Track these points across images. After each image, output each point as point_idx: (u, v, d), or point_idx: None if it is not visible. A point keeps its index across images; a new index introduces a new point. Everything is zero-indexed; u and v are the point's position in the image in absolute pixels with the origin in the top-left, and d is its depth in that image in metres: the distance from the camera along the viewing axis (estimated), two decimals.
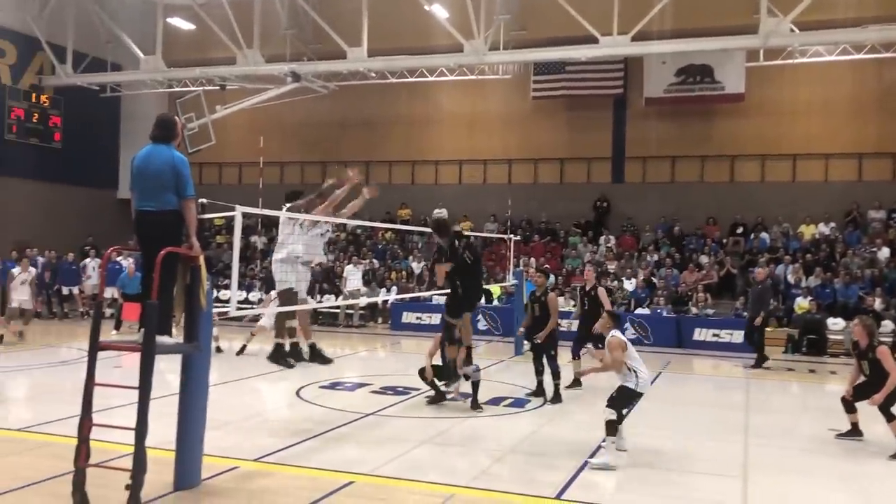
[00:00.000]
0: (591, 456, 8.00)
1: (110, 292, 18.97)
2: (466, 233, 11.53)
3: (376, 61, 22.68)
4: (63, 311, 22.28)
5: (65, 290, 22.32)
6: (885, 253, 20.94)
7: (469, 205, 26.15)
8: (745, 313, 17.72)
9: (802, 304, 19.10)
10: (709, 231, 23.92)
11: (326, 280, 22.65)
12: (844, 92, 23.40)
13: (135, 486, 5.79)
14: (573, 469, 7.66)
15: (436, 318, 19.97)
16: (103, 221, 25.83)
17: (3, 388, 11.73)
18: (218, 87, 24.78)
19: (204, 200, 7.44)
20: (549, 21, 22.28)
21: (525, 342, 15.76)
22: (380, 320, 22.85)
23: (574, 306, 16.86)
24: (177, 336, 6.75)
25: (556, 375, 11.23)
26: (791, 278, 20.58)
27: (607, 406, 7.96)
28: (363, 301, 21.22)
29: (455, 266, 9.85)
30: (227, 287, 19.99)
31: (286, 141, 27.13)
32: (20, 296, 16.64)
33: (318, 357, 9.58)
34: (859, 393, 9.25)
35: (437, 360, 10.79)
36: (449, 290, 10.18)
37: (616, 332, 8.35)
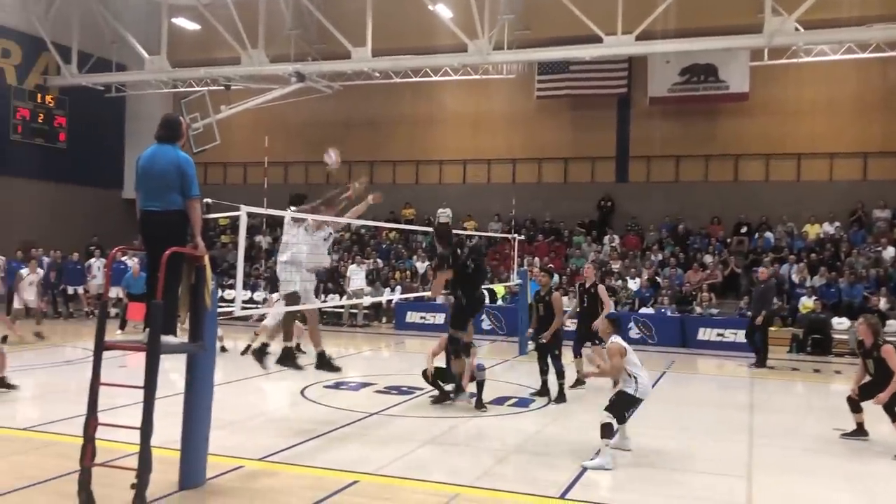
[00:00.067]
0: (593, 457, 8.00)
1: (115, 292, 19.03)
2: (470, 232, 11.48)
3: (380, 61, 22.70)
4: (68, 311, 22.35)
5: (70, 290, 22.40)
6: (890, 252, 20.89)
7: (473, 204, 26.16)
8: (749, 313, 17.70)
9: (807, 303, 19.07)
10: (713, 230, 23.89)
11: (331, 280, 22.68)
12: (849, 91, 23.35)
13: (140, 486, 5.81)
14: (577, 469, 7.65)
15: (440, 318, 20.00)
16: (108, 221, 25.89)
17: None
18: (222, 87, 24.81)
19: (209, 200, 7.46)
20: (553, 20, 22.28)
21: (529, 342, 15.82)
22: (384, 320, 22.88)
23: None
24: (181, 336, 6.77)
25: (560, 375, 11.23)
26: (795, 278, 20.55)
27: (605, 410, 7.97)
28: (367, 301, 21.24)
29: (457, 275, 9.66)
30: (231, 287, 20.00)
31: (290, 141, 27.15)
32: (27, 296, 16.69)
33: (326, 365, 9.50)
34: (865, 392, 9.23)
35: (440, 361, 10.81)
36: (452, 301, 9.94)
37: (616, 338, 8.31)
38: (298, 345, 10.25)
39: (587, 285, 12.65)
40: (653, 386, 9.11)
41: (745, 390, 13.26)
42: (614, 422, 7.94)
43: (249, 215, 7.81)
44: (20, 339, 16.13)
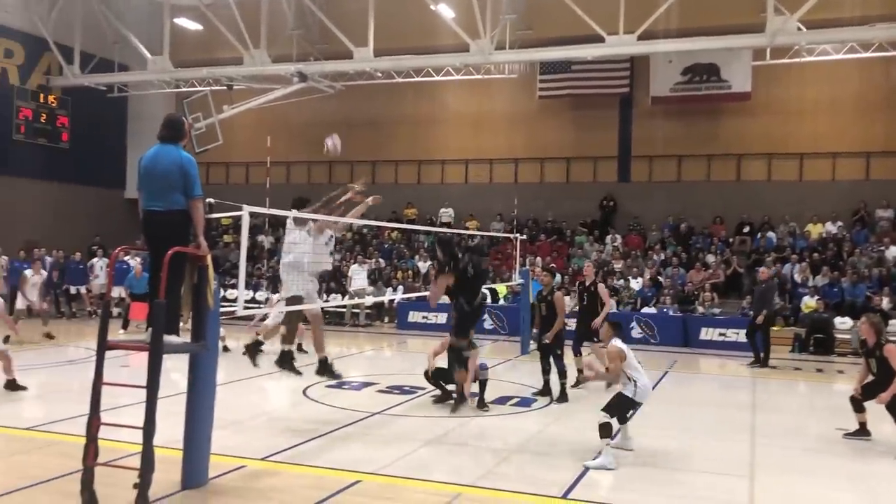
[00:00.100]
0: (595, 457, 8.00)
1: (118, 292, 19.05)
2: (472, 232, 11.44)
3: (382, 61, 22.72)
4: (71, 311, 22.38)
5: (72, 290, 22.41)
6: (892, 252, 20.86)
7: (475, 204, 26.18)
8: (751, 312, 17.69)
9: (809, 303, 19.05)
10: (715, 230, 23.87)
11: (333, 279, 22.69)
12: (852, 90, 23.32)
13: (143, 485, 5.82)
14: (579, 468, 7.65)
15: (442, 318, 19.99)
16: (111, 221, 25.93)
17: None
18: (225, 88, 24.82)
19: (211, 200, 7.47)
20: (555, 20, 22.29)
21: (531, 341, 15.82)
22: (386, 319, 22.89)
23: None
24: (184, 335, 6.78)
25: (562, 375, 11.22)
26: (798, 277, 20.53)
27: (602, 410, 7.97)
28: (369, 300, 21.25)
29: (457, 280, 9.51)
30: (234, 286, 20.02)
31: (293, 141, 27.17)
32: (31, 297, 16.73)
33: (327, 371, 9.46)
34: (868, 392, 9.22)
35: (441, 361, 10.81)
36: (455, 309, 9.80)
37: (616, 341, 8.27)
38: (300, 345, 10.26)
39: (587, 284, 12.67)
40: (654, 387, 9.11)
41: (748, 390, 13.25)
42: (612, 421, 7.92)
43: (252, 215, 7.82)
44: (21, 340, 16.18)
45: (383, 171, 27.97)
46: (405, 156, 27.73)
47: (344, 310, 22.17)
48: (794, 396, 13.70)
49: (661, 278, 21.56)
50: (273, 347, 9.85)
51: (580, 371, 12.11)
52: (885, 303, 18.54)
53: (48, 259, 21.91)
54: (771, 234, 22.96)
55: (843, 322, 18.56)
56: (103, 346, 6.25)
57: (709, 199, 24.29)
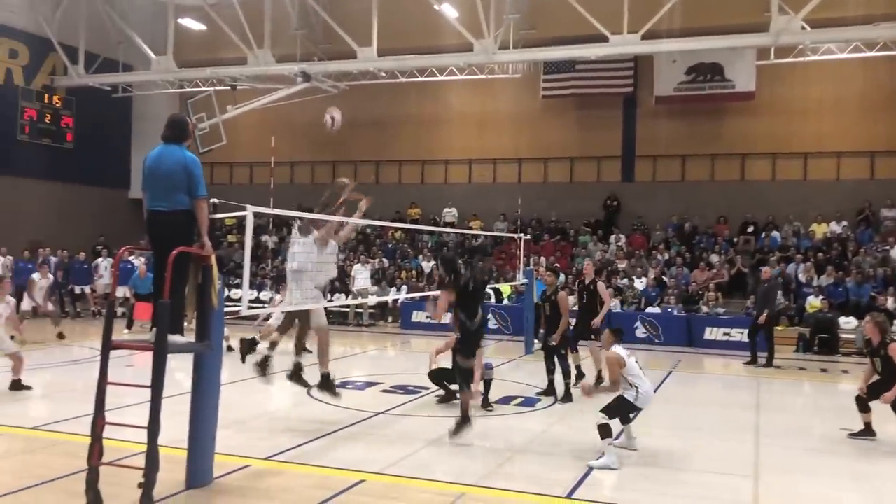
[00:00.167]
0: (599, 457, 8.00)
1: (122, 292, 19.08)
2: (475, 232, 11.40)
3: (386, 61, 22.72)
4: (75, 311, 22.43)
5: (77, 290, 22.47)
6: None
7: (479, 204, 26.17)
8: (755, 312, 17.67)
9: (814, 303, 19.01)
10: (719, 230, 23.83)
11: (336, 279, 22.68)
12: (856, 89, 23.27)
13: (147, 485, 5.83)
14: (583, 468, 7.65)
15: (445, 318, 19.91)
16: (115, 221, 25.98)
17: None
18: (229, 88, 24.86)
19: (215, 200, 7.47)
20: (559, 20, 22.27)
21: (535, 341, 15.81)
22: (389, 319, 22.89)
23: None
24: (188, 335, 6.79)
25: (566, 374, 11.22)
26: (802, 277, 20.49)
27: (601, 411, 7.96)
28: (372, 300, 21.25)
29: (458, 297, 9.21)
30: (238, 286, 20.05)
31: (296, 141, 27.20)
32: (38, 300, 16.80)
33: (328, 388, 9.37)
34: (873, 392, 9.21)
35: (444, 361, 10.80)
36: (458, 329, 9.44)
37: (616, 348, 8.23)
38: (306, 347, 10.20)
39: (586, 282, 12.67)
40: (657, 388, 9.09)
41: (752, 390, 13.22)
42: (611, 422, 7.89)
43: (256, 215, 7.83)
44: (23, 340, 16.23)
45: (387, 170, 27.98)
46: (409, 156, 27.74)
47: (347, 310, 22.18)
48: (798, 396, 13.67)
49: (665, 278, 21.53)
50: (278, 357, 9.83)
51: (577, 367, 12.11)
52: (890, 302, 18.48)
53: (52, 259, 21.97)
54: (775, 233, 22.91)
55: (847, 322, 18.52)
56: (108, 345, 6.26)
57: (713, 198, 24.25)
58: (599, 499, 6.89)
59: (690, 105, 24.54)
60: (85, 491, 5.97)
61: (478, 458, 8.15)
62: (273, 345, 9.52)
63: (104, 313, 6.86)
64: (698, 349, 18.58)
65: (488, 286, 21.13)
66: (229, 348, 14.32)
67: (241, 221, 22.27)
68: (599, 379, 11.99)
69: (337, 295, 22.02)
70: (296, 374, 9.38)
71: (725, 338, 18.70)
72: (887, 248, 21.05)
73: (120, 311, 18.47)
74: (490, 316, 20.29)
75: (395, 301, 22.36)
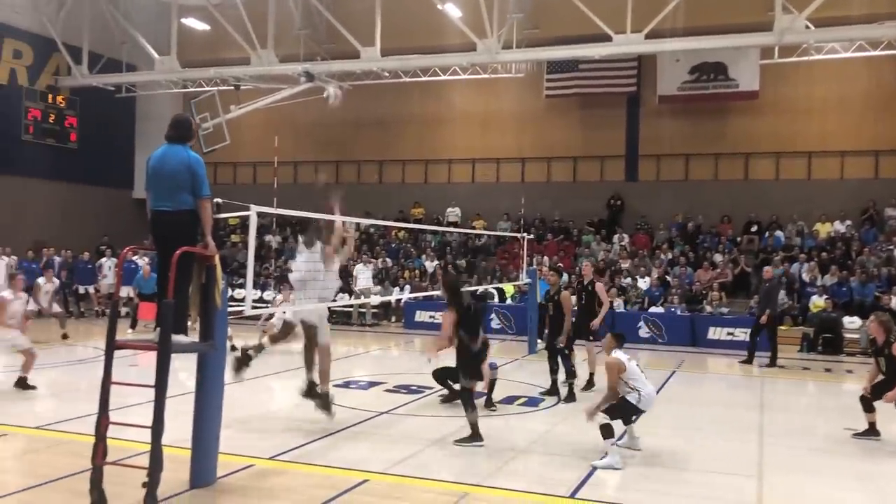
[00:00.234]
0: (603, 457, 7.99)
1: (126, 291, 19.12)
2: (479, 231, 11.35)
3: (389, 61, 22.71)
4: (79, 310, 22.48)
5: (81, 290, 22.53)
6: None
7: (482, 203, 26.17)
8: (757, 312, 17.64)
9: (818, 302, 18.98)
10: (723, 229, 23.80)
11: (339, 278, 22.69)
12: (860, 88, 23.23)
13: (151, 484, 5.83)
14: (587, 468, 7.65)
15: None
16: (119, 221, 26.01)
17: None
18: (232, 88, 24.86)
19: (219, 200, 7.48)
20: (562, 19, 22.25)
21: (539, 340, 15.81)
22: (393, 319, 22.90)
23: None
24: (192, 335, 6.80)
25: (569, 374, 11.22)
26: (806, 277, 20.45)
27: (603, 412, 7.96)
28: (375, 300, 21.25)
29: (459, 318, 9.03)
30: (242, 286, 20.08)
31: (300, 140, 27.22)
32: (42, 303, 16.86)
33: (325, 406, 9.26)
34: (878, 391, 9.19)
35: (447, 361, 10.79)
36: (460, 351, 9.58)
37: (617, 353, 8.21)
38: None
39: (585, 282, 12.66)
40: (659, 390, 9.06)
41: (756, 390, 13.21)
42: (612, 422, 7.87)
43: (259, 215, 7.83)
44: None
45: (390, 170, 28.00)
46: (412, 155, 27.75)
47: (351, 309, 22.19)
48: (802, 396, 13.65)
49: (668, 278, 21.52)
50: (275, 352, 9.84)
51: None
52: (894, 302, 18.43)
53: (57, 259, 22.02)
54: (779, 233, 22.87)
55: (851, 321, 18.49)
56: (112, 345, 6.26)
57: (716, 198, 24.22)
58: (603, 499, 6.89)
59: (694, 104, 24.51)
60: (89, 490, 5.98)
61: (481, 457, 8.14)
62: (259, 347, 9.53)
63: (108, 313, 6.86)
64: (702, 349, 18.56)
65: (491, 286, 21.26)
66: (233, 348, 14.37)
67: (244, 221, 22.33)
68: (590, 382, 12.00)
69: (340, 294, 22.04)
70: (311, 392, 9.35)
71: (729, 337, 18.67)
72: (891, 247, 21.01)
73: (124, 310, 18.49)
74: (493, 315, 20.32)
75: (399, 301, 22.37)
